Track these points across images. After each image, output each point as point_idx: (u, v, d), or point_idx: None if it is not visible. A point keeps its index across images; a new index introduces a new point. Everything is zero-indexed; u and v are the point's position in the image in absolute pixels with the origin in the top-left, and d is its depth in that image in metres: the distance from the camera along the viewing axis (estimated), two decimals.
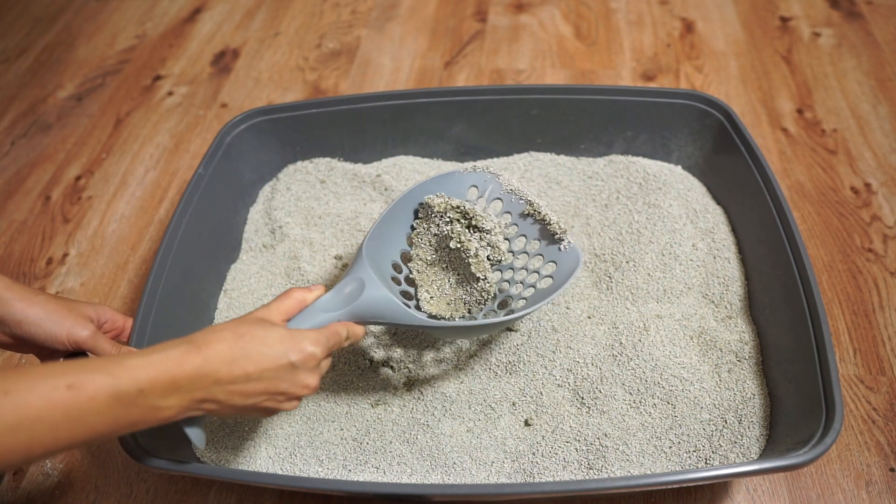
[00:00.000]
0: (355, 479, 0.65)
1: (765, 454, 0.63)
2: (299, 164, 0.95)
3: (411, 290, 0.72)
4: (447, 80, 1.15)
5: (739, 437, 0.65)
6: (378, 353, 0.74)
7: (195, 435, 0.56)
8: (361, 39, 1.26)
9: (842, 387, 0.69)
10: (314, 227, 0.88)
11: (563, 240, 0.69)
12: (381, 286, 0.63)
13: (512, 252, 0.72)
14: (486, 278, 0.70)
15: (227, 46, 1.28)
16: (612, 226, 0.84)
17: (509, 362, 0.72)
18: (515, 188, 0.72)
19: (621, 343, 0.72)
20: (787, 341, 0.67)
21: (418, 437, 0.68)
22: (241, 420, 0.70)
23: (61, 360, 0.61)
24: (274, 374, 0.53)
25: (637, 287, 0.77)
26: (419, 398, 0.71)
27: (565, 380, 0.70)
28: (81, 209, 1.00)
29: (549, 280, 0.68)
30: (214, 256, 0.84)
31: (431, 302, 0.71)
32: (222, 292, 0.83)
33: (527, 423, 0.68)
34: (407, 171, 0.94)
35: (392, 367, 0.73)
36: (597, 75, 1.14)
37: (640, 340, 0.72)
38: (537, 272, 0.70)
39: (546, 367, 0.71)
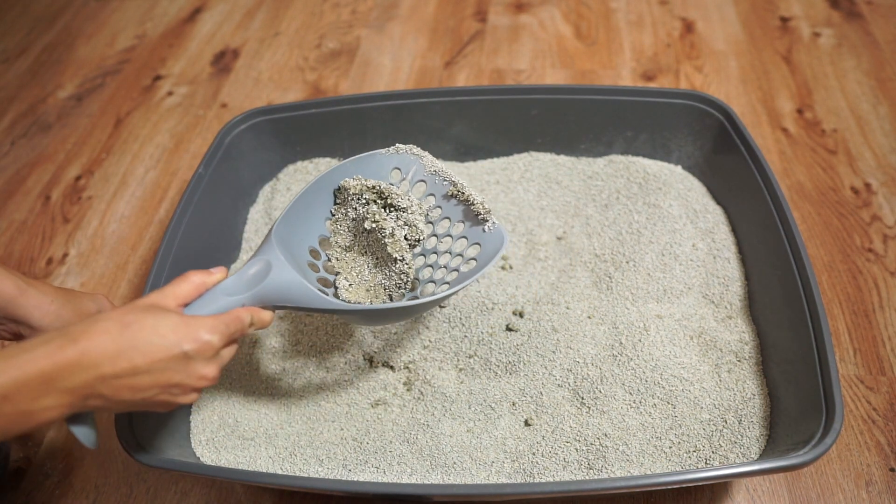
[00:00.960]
0: (355, 479, 0.65)
1: (765, 454, 0.63)
2: (299, 164, 0.95)
3: (330, 277, 0.69)
4: (447, 80, 1.15)
5: (739, 437, 0.65)
6: (378, 353, 0.74)
7: (83, 434, 0.51)
8: (361, 39, 1.26)
9: (842, 387, 0.69)
10: None
11: (487, 220, 0.66)
12: (290, 268, 0.59)
13: (436, 235, 0.70)
14: (403, 259, 0.67)
15: (227, 46, 1.28)
16: (612, 226, 0.84)
17: (509, 362, 0.72)
18: (439, 169, 0.69)
19: (621, 343, 0.72)
20: (787, 341, 0.67)
21: (418, 437, 0.68)
22: (240, 420, 0.70)
23: None
24: (165, 365, 0.48)
25: (637, 287, 0.77)
26: (419, 398, 0.71)
27: (565, 380, 0.70)
28: (81, 209, 1.00)
29: (474, 262, 0.66)
30: (214, 256, 0.84)
31: (350, 289, 0.68)
32: None
33: (527, 423, 0.68)
34: None
35: (392, 367, 0.73)
36: (597, 75, 1.14)
37: (640, 340, 0.72)
38: (461, 255, 0.67)
39: (546, 367, 0.71)
